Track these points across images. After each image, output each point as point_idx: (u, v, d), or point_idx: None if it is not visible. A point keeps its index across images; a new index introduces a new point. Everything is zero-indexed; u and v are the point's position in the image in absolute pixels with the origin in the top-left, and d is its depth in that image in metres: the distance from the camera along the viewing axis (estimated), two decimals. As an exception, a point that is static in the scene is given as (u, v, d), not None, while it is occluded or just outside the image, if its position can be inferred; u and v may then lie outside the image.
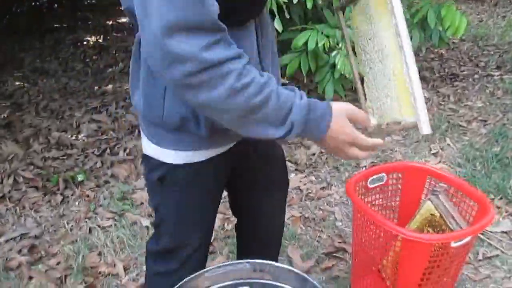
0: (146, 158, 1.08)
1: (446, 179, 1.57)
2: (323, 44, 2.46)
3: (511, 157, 2.54)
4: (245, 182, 1.28)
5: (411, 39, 2.86)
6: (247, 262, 1.00)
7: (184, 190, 1.04)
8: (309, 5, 2.43)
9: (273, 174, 1.33)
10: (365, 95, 1.04)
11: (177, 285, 0.99)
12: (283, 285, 0.99)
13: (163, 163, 1.01)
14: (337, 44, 2.51)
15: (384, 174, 1.61)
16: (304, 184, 2.37)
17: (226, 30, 0.76)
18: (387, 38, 0.95)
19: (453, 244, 1.29)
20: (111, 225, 2.13)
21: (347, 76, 2.46)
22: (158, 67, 0.75)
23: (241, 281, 1.01)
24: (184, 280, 1.02)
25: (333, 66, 2.64)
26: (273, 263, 1.00)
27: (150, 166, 1.07)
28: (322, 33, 2.52)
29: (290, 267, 0.98)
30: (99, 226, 2.13)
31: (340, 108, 0.88)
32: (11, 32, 5.44)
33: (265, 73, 0.82)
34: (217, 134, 0.96)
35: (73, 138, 3.06)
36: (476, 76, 3.81)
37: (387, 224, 1.32)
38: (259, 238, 1.44)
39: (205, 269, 1.03)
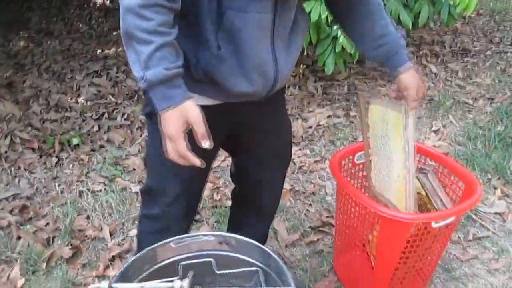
0: (145, 93, 1.13)
1: (436, 157, 1.52)
2: (326, 16, 2.37)
3: (514, 137, 2.47)
4: (250, 151, 1.31)
5: (419, 13, 2.77)
6: (211, 235, 0.99)
7: None
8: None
9: (278, 147, 1.35)
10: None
11: (142, 251, 0.99)
12: (246, 258, 0.97)
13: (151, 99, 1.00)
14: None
15: (373, 150, 1.57)
16: (299, 157, 2.34)
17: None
18: (397, 148, 1.27)
19: (434, 225, 1.26)
20: (101, 190, 2.14)
21: (348, 50, 2.37)
22: None
23: (206, 252, 1.00)
24: (150, 247, 1.02)
25: (335, 39, 2.55)
26: (237, 236, 0.98)
27: (145, 100, 1.14)
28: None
29: (254, 242, 0.96)
30: (89, 190, 2.14)
31: (190, 109, 0.89)
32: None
33: (169, 36, 0.86)
34: (208, 84, 1.01)
35: (73, 101, 3.05)
36: (488, 52, 3.67)
37: (368, 202, 1.29)
38: (258, 207, 1.46)
39: (171, 239, 1.02)
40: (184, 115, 0.88)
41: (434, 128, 2.61)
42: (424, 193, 1.48)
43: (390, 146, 1.31)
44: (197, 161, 0.91)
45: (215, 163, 2.31)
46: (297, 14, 1.08)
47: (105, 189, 2.14)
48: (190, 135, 0.91)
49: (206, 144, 0.90)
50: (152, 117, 1.07)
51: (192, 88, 0.94)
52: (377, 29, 1.19)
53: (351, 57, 2.57)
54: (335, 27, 2.52)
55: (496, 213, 1.95)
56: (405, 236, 1.31)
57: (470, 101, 2.90)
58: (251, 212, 1.47)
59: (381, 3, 1.21)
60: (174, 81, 0.88)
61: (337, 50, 2.55)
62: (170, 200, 1.17)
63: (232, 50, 0.96)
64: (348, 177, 1.57)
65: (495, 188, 2.11)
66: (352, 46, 2.42)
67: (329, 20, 2.45)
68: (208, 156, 1.12)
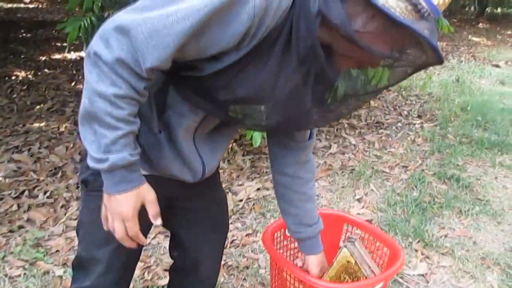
0: (81, 160, 1.16)
1: (361, 226, 1.62)
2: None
3: (428, 201, 2.68)
4: (185, 223, 1.31)
5: (338, 87, 3.02)
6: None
7: (101, 198, 1.01)
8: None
9: (214, 217, 1.37)
10: None
11: None
12: None
13: (88, 167, 0.98)
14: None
15: (303, 221, 1.63)
16: (230, 231, 2.34)
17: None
18: None
19: (365, 292, 1.31)
20: (20, 275, 1.97)
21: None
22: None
23: None
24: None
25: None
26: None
27: (80, 167, 1.16)
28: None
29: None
30: (6, 276, 1.96)
31: (147, 192, 0.94)
32: None
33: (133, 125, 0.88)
34: (143, 158, 1.01)
35: (-11, 178, 2.86)
36: (399, 124, 4.04)
37: (299, 274, 1.33)
38: (198, 281, 1.42)
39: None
40: (141, 196, 0.92)
41: (357, 196, 2.77)
42: (353, 261, 1.55)
43: None
44: (145, 240, 0.92)
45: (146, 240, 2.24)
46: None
47: (25, 273, 1.98)
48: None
49: (158, 221, 0.94)
50: (88, 185, 1.09)
51: None
52: (302, 217, 1.37)
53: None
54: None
55: (419, 274, 2.07)
56: (338, 305, 1.35)
57: (387, 170, 3.13)
58: (191, 287, 1.44)
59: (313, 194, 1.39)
60: (134, 166, 0.90)
61: (264, 124, 2.67)
62: (102, 270, 1.13)
63: (168, 139, 1.03)
64: (281, 250, 1.60)
65: (416, 251, 2.25)
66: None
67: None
68: (144, 229, 1.13)
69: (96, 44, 0.81)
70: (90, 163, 0.88)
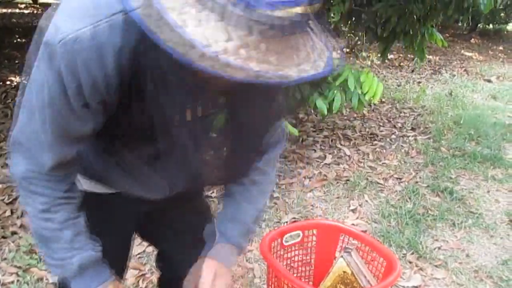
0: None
1: (358, 237, 1.63)
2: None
3: (422, 213, 2.70)
4: (167, 235, 1.26)
5: (333, 100, 3.05)
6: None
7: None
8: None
9: (198, 226, 1.26)
10: None
11: None
12: None
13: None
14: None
15: (300, 232, 1.64)
16: (226, 239, 2.34)
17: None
18: None
19: (361, 303, 1.32)
20: (13, 281, 1.96)
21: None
22: None
23: None
24: None
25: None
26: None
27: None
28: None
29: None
30: (-1, 283, 1.95)
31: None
32: None
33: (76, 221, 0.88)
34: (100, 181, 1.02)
35: (-18, 183, 2.84)
36: (393, 136, 4.08)
37: (299, 283, 1.33)
38: None
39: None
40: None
41: (351, 207, 2.78)
42: (349, 271, 1.56)
43: None
44: None
45: (140, 248, 2.24)
46: None
47: (18, 280, 1.96)
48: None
49: None
50: None
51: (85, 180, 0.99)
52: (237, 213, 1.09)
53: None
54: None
55: (413, 286, 2.08)
56: (335, 316, 1.35)
57: (382, 181, 3.16)
58: None
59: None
60: (100, 260, 0.92)
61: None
62: None
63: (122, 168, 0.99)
64: (278, 259, 1.61)
65: (410, 262, 2.26)
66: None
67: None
68: (121, 240, 1.15)
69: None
70: (53, 271, 0.92)
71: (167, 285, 1.44)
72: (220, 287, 0.99)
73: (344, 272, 1.56)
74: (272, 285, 1.53)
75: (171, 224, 1.25)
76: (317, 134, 3.96)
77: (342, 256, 1.58)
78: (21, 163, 0.81)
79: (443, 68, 7.47)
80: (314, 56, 0.63)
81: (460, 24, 11.65)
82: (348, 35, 7.98)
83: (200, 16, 0.57)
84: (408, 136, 4.10)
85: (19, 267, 2.05)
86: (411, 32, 4.16)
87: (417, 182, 3.17)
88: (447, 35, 10.60)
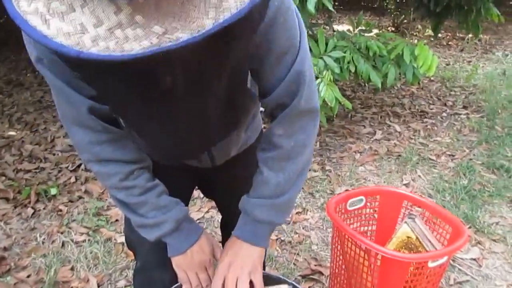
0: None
1: (422, 204, 1.63)
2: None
3: (478, 189, 2.66)
4: (224, 192, 1.31)
5: (386, 75, 3.01)
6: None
7: None
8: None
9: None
10: None
11: None
12: None
13: None
14: (320, 73, 2.59)
15: (363, 197, 1.67)
16: (281, 207, 2.39)
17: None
18: None
19: (430, 264, 1.34)
20: (85, 240, 2.08)
21: (329, 104, 2.51)
22: None
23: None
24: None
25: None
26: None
27: None
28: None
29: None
30: (72, 241, 2.08)
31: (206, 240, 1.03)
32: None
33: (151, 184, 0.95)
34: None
35: (47, 152, 3.00)
36: (444, 114, 3.99)
37: (367, 242, 1.36)
38: None
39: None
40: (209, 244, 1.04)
41: (404, 181, 2.77)
42: (414, 237, 1.57)
43: None
44: None
45: (200, 215, 2.32)
46: None
47: (89, 239, 2.09)
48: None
49: None
50: None
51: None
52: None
53: (331, 110, 2.66)
54: (316, 81, 2.67)
55: (472, 259, 2.06)
56: (404, 276, 1.37)
57: (434, 158, 3.11)
58: None
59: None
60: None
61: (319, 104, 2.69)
62: (146, 249, 1.13)
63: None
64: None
65: (468, 235, 2.24)
66: (333, 99, 2.52)
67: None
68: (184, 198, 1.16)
69: None
70: (150, 234, 0.97)
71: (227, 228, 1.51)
72: (235, 272, 0.97)
73: (408, 237, 1.58)
74: (336, 248, 1.57)
75: (227, 180, 1.24)
76: (366, 110, 3.93)
77: (406, 222, 1.59)
78: (77, 132, 0.88)
79: (495, 47, 7.17)
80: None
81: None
82: (394, 13, 7.79)
83: (62, 8, 0.52)
84: (460, 114, 3.99)
85: (89, 228, 2.18)
86: (465, 8, 4.03)
87: (471, 159, 3.10)
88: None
